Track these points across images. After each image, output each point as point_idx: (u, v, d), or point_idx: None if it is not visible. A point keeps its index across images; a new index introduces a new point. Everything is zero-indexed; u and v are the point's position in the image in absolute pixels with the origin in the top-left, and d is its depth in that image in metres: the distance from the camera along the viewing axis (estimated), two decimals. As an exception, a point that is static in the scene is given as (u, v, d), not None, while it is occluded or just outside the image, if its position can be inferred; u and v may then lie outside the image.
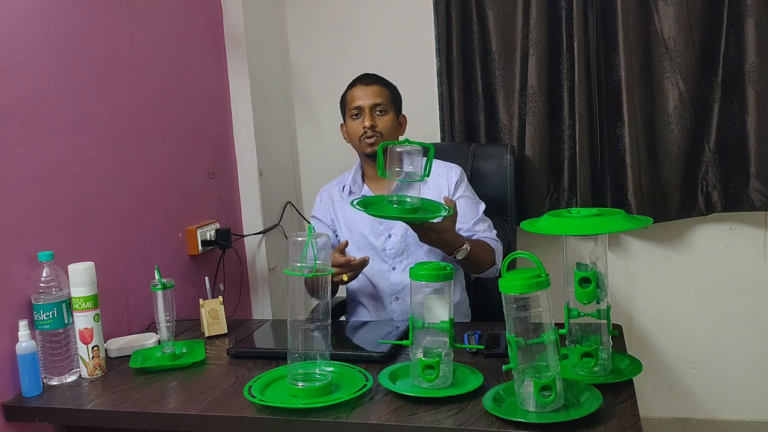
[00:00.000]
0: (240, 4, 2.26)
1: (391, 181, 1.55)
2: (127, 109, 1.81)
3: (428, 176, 1.56)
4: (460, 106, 2.36)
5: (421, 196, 1.63)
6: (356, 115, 1.86)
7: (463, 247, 1.69)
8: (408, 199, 1.55)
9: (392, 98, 1.89)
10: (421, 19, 2.43)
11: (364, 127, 1.82)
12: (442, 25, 2.35)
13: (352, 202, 1.58)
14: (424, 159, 1.54)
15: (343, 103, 1.92)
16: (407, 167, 1.52)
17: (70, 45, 1.61)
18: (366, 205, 1.59)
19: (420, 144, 1.53)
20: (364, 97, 1.85)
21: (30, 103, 1.49)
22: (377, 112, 1.85)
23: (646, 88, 2.24)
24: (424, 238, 1.64)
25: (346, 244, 1.74)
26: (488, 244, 1.84)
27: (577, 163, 2.26)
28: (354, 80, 1.91)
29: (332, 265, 1.63)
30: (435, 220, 1.60)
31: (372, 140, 1.83)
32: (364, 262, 1.70)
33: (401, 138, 1.91)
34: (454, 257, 1.70)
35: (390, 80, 1.92)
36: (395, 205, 1.53)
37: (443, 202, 1.63)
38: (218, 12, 2.27)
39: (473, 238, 1.87)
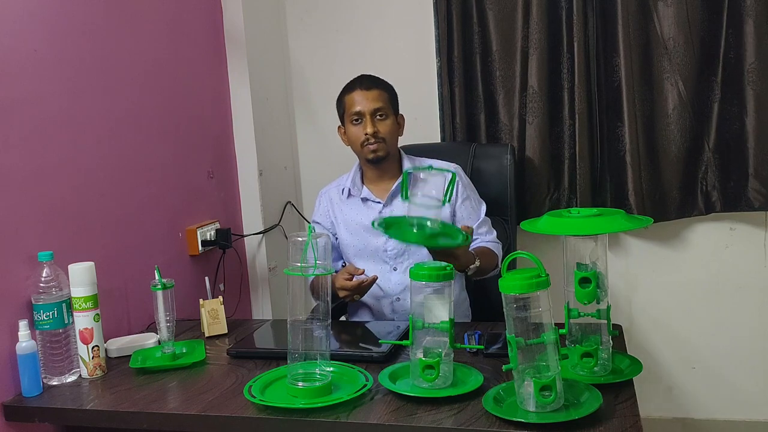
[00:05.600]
0: (240, 4, 2.26)
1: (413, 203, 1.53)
2: (127, 109, 1.80)
3: (449, 201, 1.52)
4: (460, 106, 2.36)
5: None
6: (356, 120, 1.82)
7: (474, 264, 1.70)
8: (428, 223, 1.49)
9: (391, 100, 1.87)
10: (421, 19, 2.43)
11: (366, 134, 1.80)
12: (443, 25, 2.35)
13: (373, 223, 1.52)
14: (447, 184, 1.49)
15: (341, 106, 1.88)
16: (429, 192, 1.48)
17: (70, 45, 1.61)
18: (387, 226, 1.55)
19: (443, 170, 1.51)
20: (364, 102, 1.81)
21: (30, 103, 1.49)
22: (378, 117, 1.82)
23: (645, 88, 2.24)
24: (439, 258, 1.60)
25: (362, 272, 1.70)
26: (492, 251, 1.84)
27: (577, 163, 2.26)
28: (351, 83, 1.87)
29: (342, 288, 1.65)
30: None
31: (375, 147, 1.81)
32: (373, 281, 1.70)
33: (400, 136, 1.91)
34: (465, 273, 1.71)
35: (389, 80, 1.90)
36: (416, 230, 1.49)
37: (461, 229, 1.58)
38: (218, 12, 2.27)
39: (477, 243, 1.87)
